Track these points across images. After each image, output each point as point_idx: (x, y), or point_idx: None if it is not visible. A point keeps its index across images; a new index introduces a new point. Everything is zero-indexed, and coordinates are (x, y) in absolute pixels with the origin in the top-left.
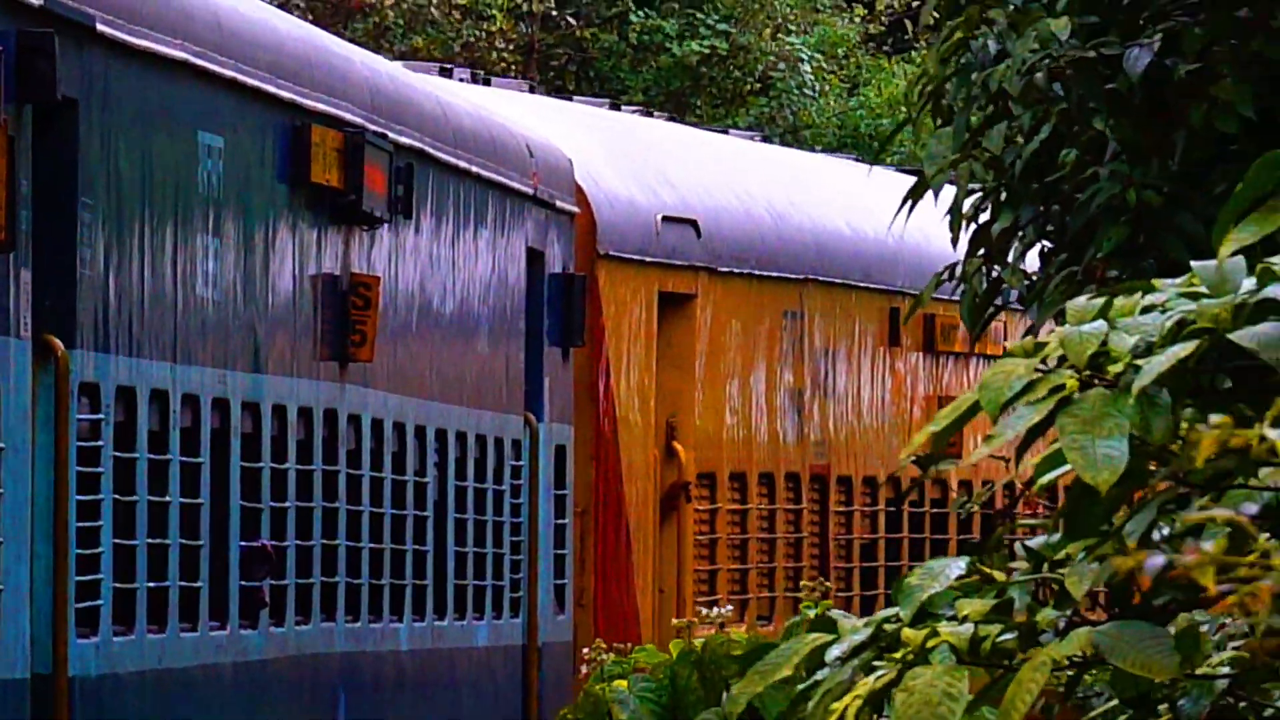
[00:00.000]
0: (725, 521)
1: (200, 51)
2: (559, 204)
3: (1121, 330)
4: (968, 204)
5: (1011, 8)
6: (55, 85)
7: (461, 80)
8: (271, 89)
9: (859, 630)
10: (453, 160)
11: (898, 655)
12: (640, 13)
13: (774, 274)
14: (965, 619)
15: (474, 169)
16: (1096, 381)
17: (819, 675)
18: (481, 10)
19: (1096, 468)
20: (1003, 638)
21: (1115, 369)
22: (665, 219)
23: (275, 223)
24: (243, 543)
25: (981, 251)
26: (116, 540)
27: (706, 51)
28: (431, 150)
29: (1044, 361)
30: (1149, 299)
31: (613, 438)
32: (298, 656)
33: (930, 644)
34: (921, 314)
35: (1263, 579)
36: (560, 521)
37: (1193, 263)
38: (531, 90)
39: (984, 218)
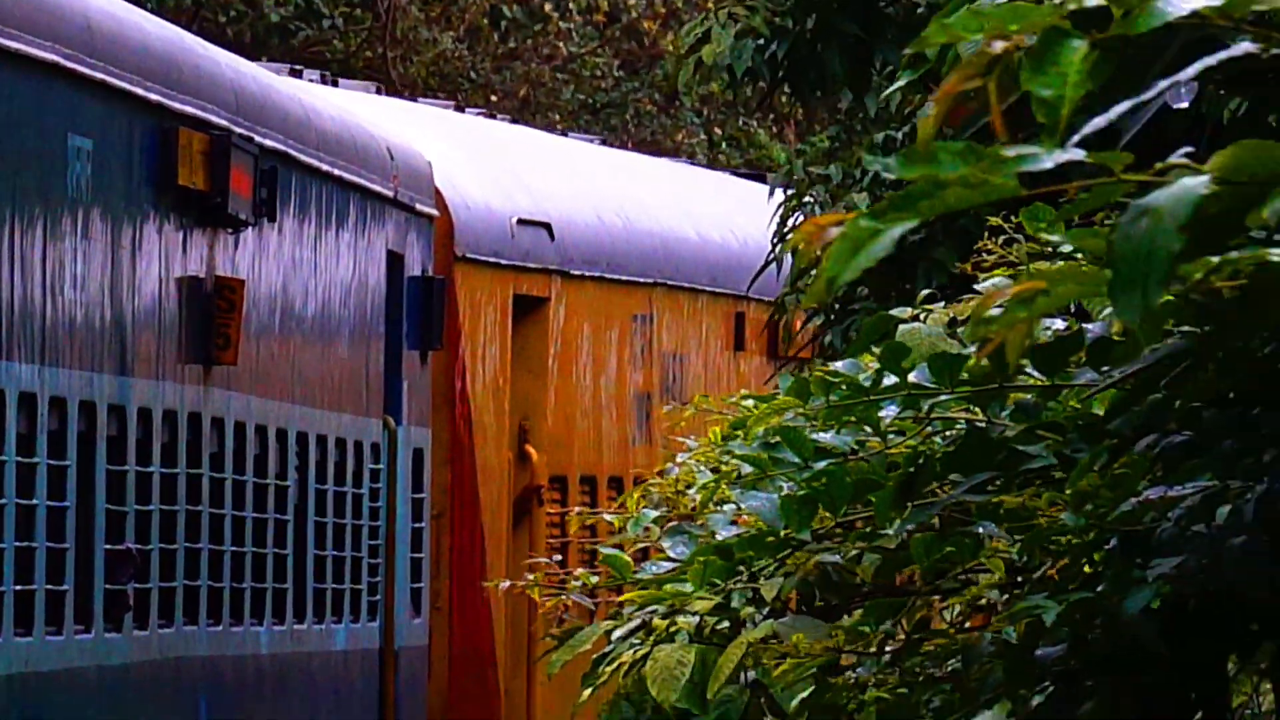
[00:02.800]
0: (576, 525)
1: (70, 54)
2: (419, 207)
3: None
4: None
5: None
6: None
7: (311, 80)
8: (140, 91)
9: (634, 619)
10: (316, 163)
11: (652, 638)
12: None
13: (624, 277)
14: (697, 613)
15: (336, 171)
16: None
17: (607, 649)
18: None
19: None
20: (721, 625)
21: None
22: (520, 222)
23: (142, 225)
24: (108, 546)
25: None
26: None
27: None
28: (295, 153)
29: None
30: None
31: (468, 441)
32: (160, 660)
33: (673, 630)
34: (764, 319)
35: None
36: (417, 525)
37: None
38: (379, 92)
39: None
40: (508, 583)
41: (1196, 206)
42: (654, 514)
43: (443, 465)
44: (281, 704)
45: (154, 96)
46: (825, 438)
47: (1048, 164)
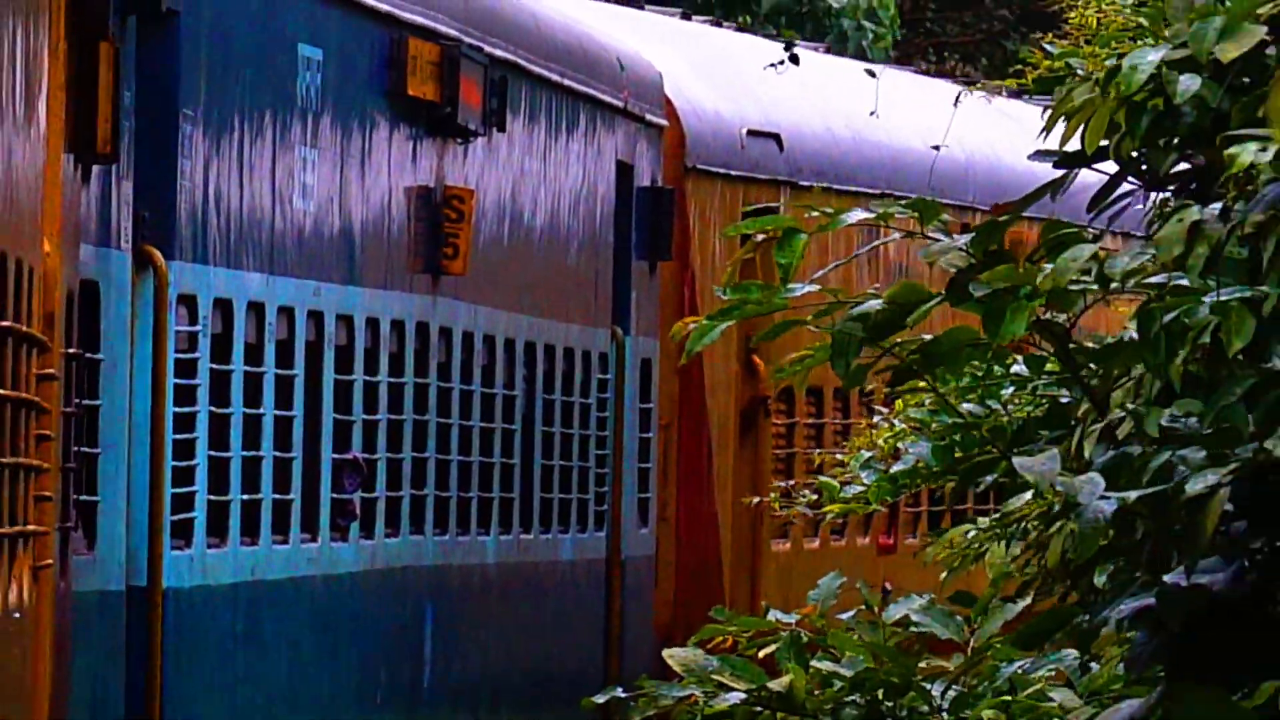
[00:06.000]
0: (802, 436)
1: None
2: (648, 117)
3: None
4: None
5: None
6: None
7: None
8: (370, 1)
9: (984, 522)
10: (545, 73)
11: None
12: None
13: (853, 188)
14: (1025, 516)
15: (566, 82)
16: None
17: (966, 546)
18: None
19: None
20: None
21: None
22: (749, 133)
23: (372, 135)
24: (335, 455)
25: None
26: (211, 452)
27: None
28: (525, 63)
29: None
30: None
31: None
32: (387, 569)
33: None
34: (959, 223)
35: None
36: (645, 435)
37: None
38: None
39: None
40: (755, 499)
41: (874, 314)
42: (867, 455)
43: (671, 376)
44: (508, 614)
45: (384, 6)
46: (967, 406)
47: (797, 293)
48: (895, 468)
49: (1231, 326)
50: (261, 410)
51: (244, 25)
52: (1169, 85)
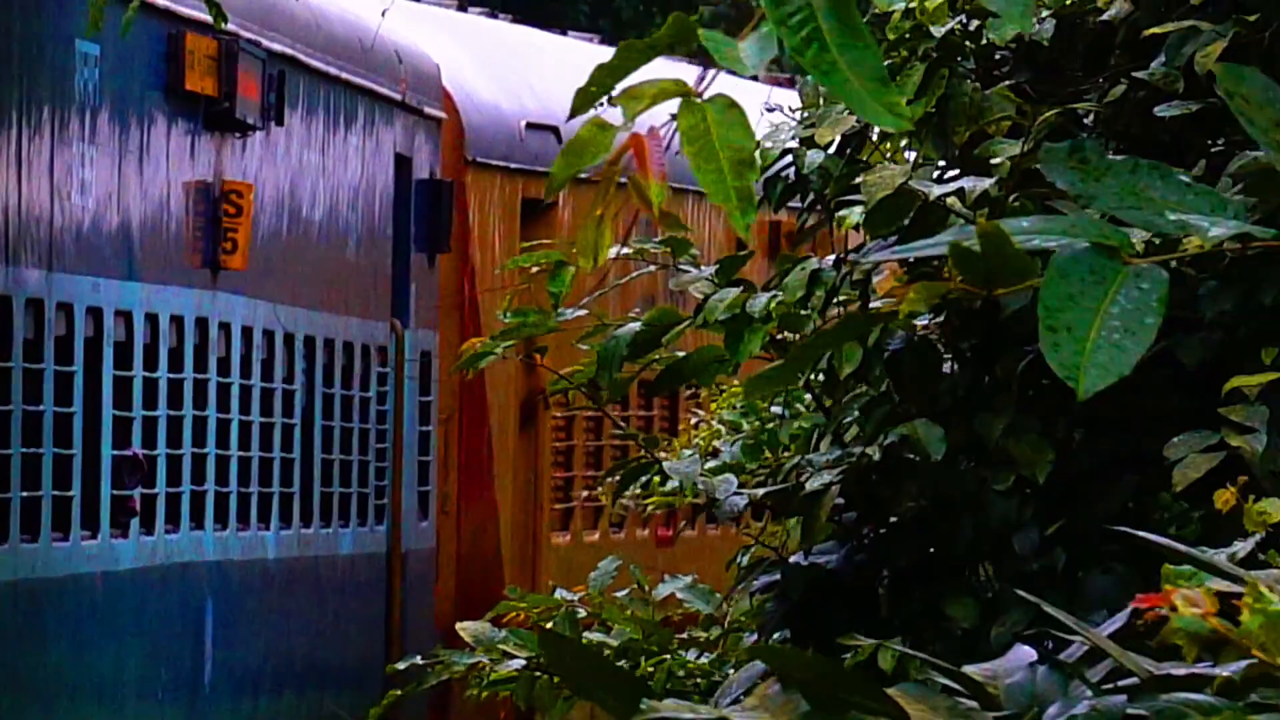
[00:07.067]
0: (581, 429)
1: None
2: (427, 110)
3: None
4: None
5: None
6: None
7: None
8: None
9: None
10: (323, 67)
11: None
12: None
13: None
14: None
15: (344, 75)
16: None
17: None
18: None
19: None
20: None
21: None
22: (529, 125)
23: (150, 130)
24: (115, 451)
25: None
26: None
27: None
28: (303, 57)
29: None
30: None
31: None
32: (166, 565)
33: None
34: (767, 222)
35: None
36: (425, 428)
37: None
38: None
39: None
40: (587, 491)
41: (634, 335)
42: (689, 453)
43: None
44: (289, 607)
45: (161, 2)
46: (774, 409)
47: (567, 317)
48: (710, 464)
49: (843, 355)
50: (41, 407)
51: (22, 19)
52: (798, 159)
